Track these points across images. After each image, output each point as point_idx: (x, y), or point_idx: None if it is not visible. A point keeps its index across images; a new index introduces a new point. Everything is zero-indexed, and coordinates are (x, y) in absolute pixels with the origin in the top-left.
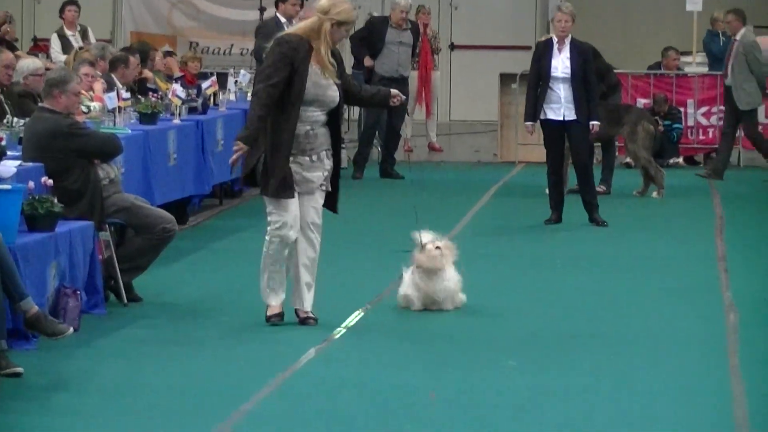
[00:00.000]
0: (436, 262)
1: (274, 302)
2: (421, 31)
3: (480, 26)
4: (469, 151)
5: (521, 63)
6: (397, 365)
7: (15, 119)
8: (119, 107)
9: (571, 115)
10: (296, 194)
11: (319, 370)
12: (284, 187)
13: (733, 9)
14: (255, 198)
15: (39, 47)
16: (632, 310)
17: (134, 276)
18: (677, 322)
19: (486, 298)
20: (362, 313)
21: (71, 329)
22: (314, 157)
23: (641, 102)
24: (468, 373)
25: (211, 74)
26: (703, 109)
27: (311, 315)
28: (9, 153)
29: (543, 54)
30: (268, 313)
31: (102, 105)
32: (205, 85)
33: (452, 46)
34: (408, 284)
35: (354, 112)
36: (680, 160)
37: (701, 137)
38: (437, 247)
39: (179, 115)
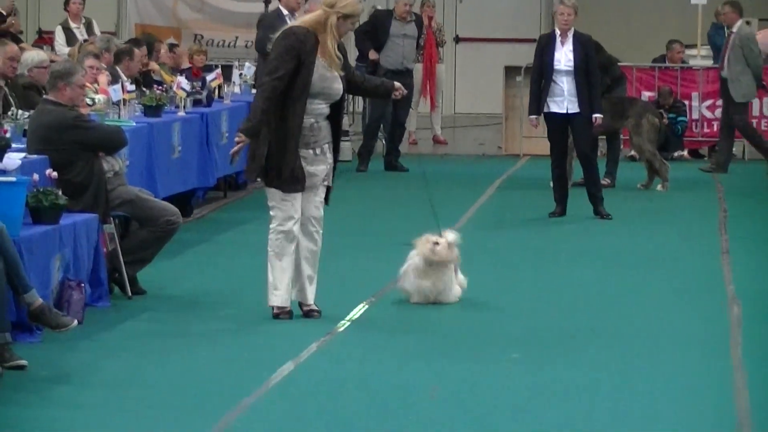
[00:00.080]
0: (441, 256)
1: (282, 301)
2: (425, 23)
3: (484, 19)
4: (474, 144)
5: (526, 56)
6: (399, 360)
7: (20, 111)
8: (124, 100)
9: (574, 108)
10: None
11: (322, 364)
12: (294, 181)
13: (729, 1)
14: (259, 190)
15: (44, 40)
16: (635, 303)
17: (138, 269)
18: (680, 316)
19: (490, 292)
20: (366, 307)
21: (75, 322)
22: (317, 150)
23: (646, 95)
24: (470, 369)
25: (216, 67)
26: (708, 102)
27: (315, 308)
28: (13, 145)
29: (546, 47)
30: (276, 310)
31: (107, 97)
32: (209, 77)
33: (457, 39)
34: (408, 278)
35: (358, 105)
36: (685, 153)
37: (706, 130)
38: (436, 243)
39: (184, 107)
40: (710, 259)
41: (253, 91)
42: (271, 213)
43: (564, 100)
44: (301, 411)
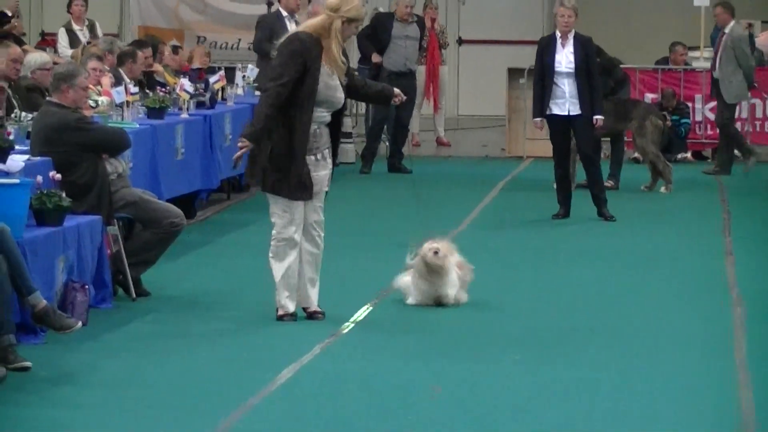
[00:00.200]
0: (438, 263)
1: (286, 305)
2: (428, 25)
3: (487, 21)
4: (477, 146)
5: (529, 57)
6: (403, 361)
7: (23, 113)
8: (127, 102)
9: (575, 110)
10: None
11: (326, 365)
12: (302, 188)
13: (721, 2)
14: (263, 193)
15: (46, 42)
16: (639, 304)
17: (142, 270)
18: (682, 316)
19: (493, 293)
20: (371, 308)
21: (79, 323)
22: (318, 156)
23: (649, 97)
24: (471, 369)
25: (219, 69)
26: (711, 104)
27: (319, 310)
28: (17, 147)
29: (546, 49)
30: (280, 312)
31: (110, 99)
32: (212, 79)
33: (460, 41)
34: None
35: (361, 107)
36: (688, 155)
37: (709, 132)
38: (435, 252)
39: (187, 109)
40: (713, 260)
41: (256, 93)
42: (273, 220)
43: (565, 102)
44: (303, 412)
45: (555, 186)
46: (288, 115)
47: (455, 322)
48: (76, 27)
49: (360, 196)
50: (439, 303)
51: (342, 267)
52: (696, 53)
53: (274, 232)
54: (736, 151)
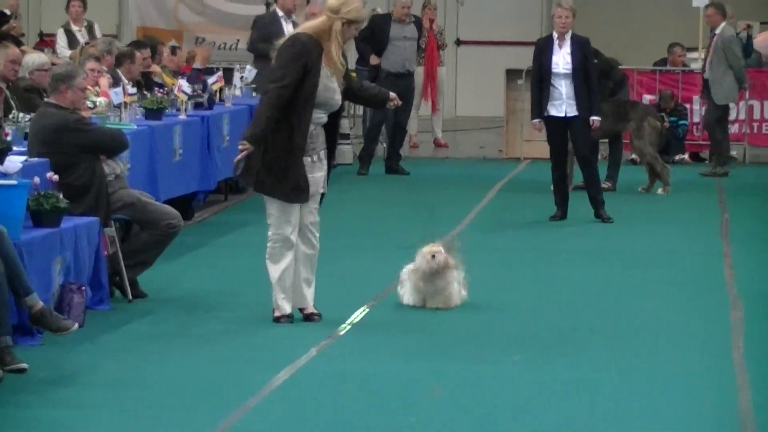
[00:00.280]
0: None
1: (283, 306)
2: (427, 26)
3: (486, 22)
4: (475, 147)
5: (527, 59)
6: (400, 362)
7: (21, 114)
8: (125, 103)
9: (572, 112)
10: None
11: (324, 365)
12: (298, 191)
13: (713, 3)
14: (260, 194)
15: (45, 42)
16: (637, 305)
17: (139, 272)
18: (682, 317)
19: (491, 295)
20: (367, 310)
21: (76, 325)
22: (315, 158)
23: (647, 98)
24: (470, 369)
25: (217, 69)
26: None
27: (315, 311)
28: (14, 148)
29: (543, 50)
30: (277, 314)
31: (108, 100)
32: (211, 80)
33: (458, 42)
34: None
35: (359, 108)
36: (686, 156)
37: (707, 133)
38: (433, 256)
39: (185, 110)
40: (711, 261)
41: (254, 94)
42: (269, 221)
43: (562, 103)
44: (301, 413)
45: (552, 187)
46: (286, 116)
47: (454, 322)
48: (74, 28)
49: (357, 198)
50: (437, 306)
51: (339, 268)
52: (694, 54)
53: (269, 233)
54: (734, 152)
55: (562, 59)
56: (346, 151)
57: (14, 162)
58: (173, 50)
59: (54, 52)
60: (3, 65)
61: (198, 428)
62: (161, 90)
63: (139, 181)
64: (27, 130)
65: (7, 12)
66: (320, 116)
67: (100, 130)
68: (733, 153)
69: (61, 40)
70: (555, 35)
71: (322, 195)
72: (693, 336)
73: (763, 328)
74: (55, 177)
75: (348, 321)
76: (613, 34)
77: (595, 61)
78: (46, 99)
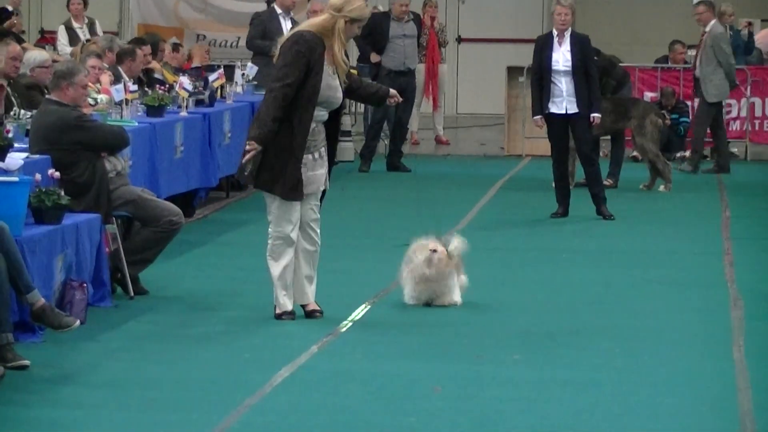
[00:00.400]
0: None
1: (285, 304)
2: (428, 24)
3: (487, 19)
4: (476, 145)
5: (528, 56)
6: (402, 359)
7: (22, 111)
8: (126, 99)
9: (573, 109)
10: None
11: (325, 363)
12: (296, 189)
13: (703, 0)
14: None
15: (46, 39)
16: (638, 303)
17: (141, 269)
18: (683, 315)
19: (492, 292)
20: (369, 307)
21: (78, 322)
22: (316, 155)
23: (648, 95)
24: (471, 369)
25: (218, 67)
26: None
27: (317, 308)
28: (16, 145)
29: (543, 48)
30: (278, 311)
31: (109, 97)
32: (212, 77)
33: (459, 39)
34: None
35: (361, 106)
36: (687, 153)
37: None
38: (434, 250)
39: (186, 107)
40: (712, 259)
41: (256, 92)
42: (270, 218)
43: (563, 100)
44: (301, 411)
45: (554, 185)
46: (288, 114)
47: (455, 322)
48: (75, 25)
49: (359, 195)
50: (436, 304)
51: (340, 266)
52: (695, 52)
53: (270, 230)
54: (735, 150)
55: (561, 57)
56: (348, 149)
57: (16, 159)
58: (175, 47)
59: (55, 49)
60: (4, 62)
61: (198, 427)
62: (162, 87)
63: (140, 178)
64: (28, 127)
65: (10, 8)
66: (321, 113)
67: (101, 127)
68: (734, 150)
69: (62, 38)
70: (555, 33)
71: (324, 192)
72: (693, 336)
73: (763, 327)
74: (57, 174)
75: (349, 318)
76: (615, 31)
77: (596, 58)
78: (47, 96)
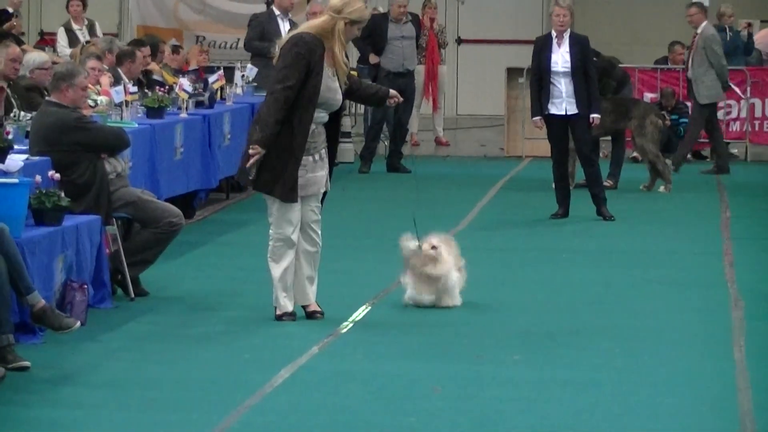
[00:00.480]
0: (434, 268)
1: (285, 305)
2: (427, 25)
3: (487, 20)
4: (476, 146)
5: (528, 57)
6: (402, 359)
7: (22, 113)
8: (126, 101)
9: (573, 110)
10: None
11: (325, 364)
12: (294, 191)
13: (696, 2)
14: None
15: (45, 41)
16: (638, 303)
17: (141, 270)
18: (683, 315)
19: (492, 292)
20: (369, 308)
21: (78, 323)
22: (316, 156)
23: (648, 96)
24: (472, 369)
25: (218, 68)
26: None
27: (318, 309)
28: (16, 147)
29: (542, 49)
30: (279, 312)
31: (109, 99)
32: (212, 79)
33: (459, 41)
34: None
35: (360, 107)
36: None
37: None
38: (433, 247)
39: (186, 109)
40: (712, 259)
41: (255, 93)
42: (270, 220)
43: (563, 101)
44: (302, 411)
45: (554, 185)
46: (288, 116)
47: (455, 322)
48: (75, 26)
49: (359, 196)
50: (436, 305)
51: (341, 266)
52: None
53: (271, 232)
54: (735, 150)
55: (560, 58)
56: (348, 150)
57: (15, 160)
58: (175, 49)
59: (55, 50)
60: (4, 64)
61: (198, 427)
62: (162, 88)
63: (140, 179)
64: (28, 129)
65: (10, 10)
66: (322, 115)
67: (101, 129)
68: (734, 151)
69: (62, 39)
70: (554, 34)
71: (325, 193)
72: (693, 336)
73: (764, 327)
74: (57, 175)
75: (350, 319)
76: (615, 31)
77: (595, 59)
78: (47, 98)
